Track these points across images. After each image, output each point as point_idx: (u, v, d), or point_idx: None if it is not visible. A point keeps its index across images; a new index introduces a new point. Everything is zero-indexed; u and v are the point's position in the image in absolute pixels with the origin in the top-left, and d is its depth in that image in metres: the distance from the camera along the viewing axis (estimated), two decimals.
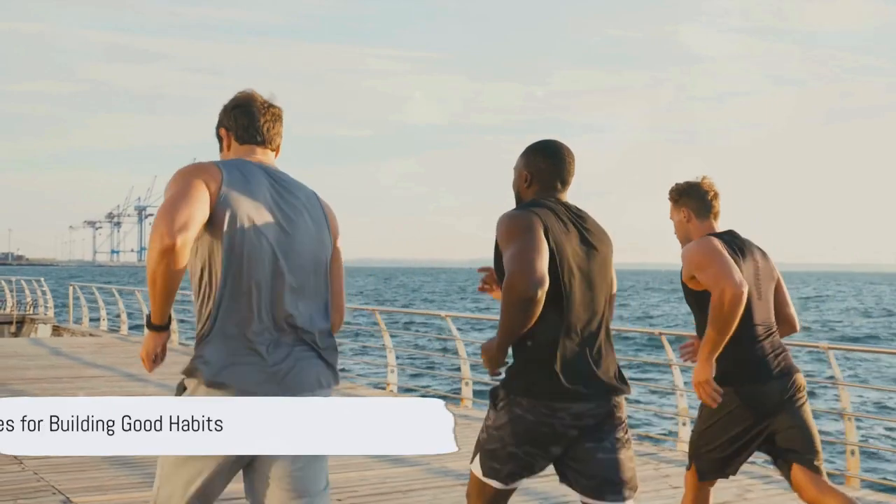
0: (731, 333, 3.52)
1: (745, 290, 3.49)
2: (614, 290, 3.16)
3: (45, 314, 21.84)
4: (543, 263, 2.82)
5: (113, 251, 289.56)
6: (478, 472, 3.07)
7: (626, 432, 3.05)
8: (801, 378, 3.78)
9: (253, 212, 2.62)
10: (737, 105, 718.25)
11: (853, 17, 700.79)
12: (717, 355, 3.56)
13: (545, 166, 3.13)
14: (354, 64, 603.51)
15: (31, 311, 22.29)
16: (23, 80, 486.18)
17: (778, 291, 3.91)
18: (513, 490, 3.09)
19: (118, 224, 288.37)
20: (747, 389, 3.68)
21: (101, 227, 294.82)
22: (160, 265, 2.44)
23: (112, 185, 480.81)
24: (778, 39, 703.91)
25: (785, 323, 3.91)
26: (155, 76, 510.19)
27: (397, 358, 10.74)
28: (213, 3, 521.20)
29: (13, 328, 21.38)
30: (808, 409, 3.78)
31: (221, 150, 2.87)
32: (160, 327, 2.64)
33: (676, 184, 3.93)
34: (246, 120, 2.80)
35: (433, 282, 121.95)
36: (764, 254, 3.89)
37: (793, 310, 3.95)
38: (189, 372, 2.59)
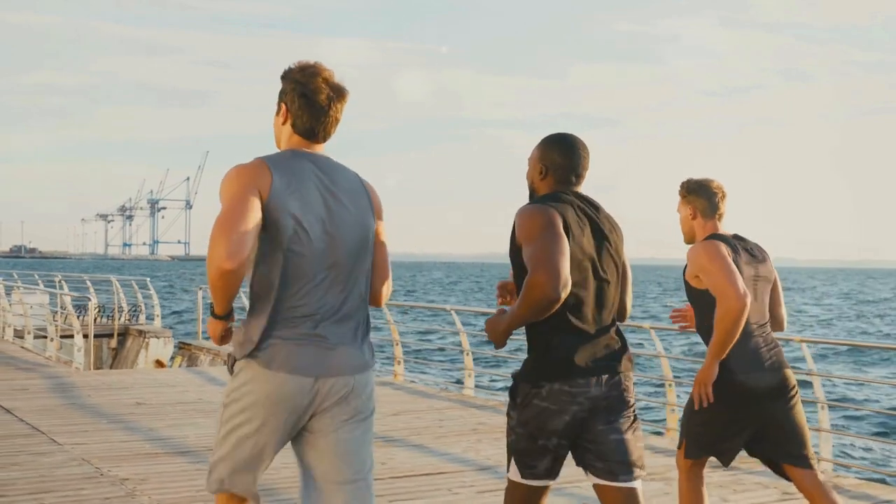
0: (735, 339, 3.83)
1: (748, 300, 3.79)
2: (629, 277, 3.27)
3: (152, 324, 18.07)
4: (567, 265, 2.91)
5: (125, 244, 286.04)
6: (516, 477, 3.13)
7: (635, 414, 3.17)
8: (791, 374, 4.04)
9: (302, 209, 2.83)
10: (745, 100, 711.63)
11: (861, 12, 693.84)
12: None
13: (561, 160, 3.19)
14: (364, 58, 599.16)
15: (129, 320, 18.50)
16: (34, 72, 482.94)
17: (773, 292, 4.17)
18: (548, 487, 3.15)
19: (130, 217, 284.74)
20: (740, 377, 3.91)
21: (113, 221, 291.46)
22: (220, 281, 2.69)
23: (124, 178, 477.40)
24: (788, 34, 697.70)
25: (776, 321, 4.18)
26: (166, 69, 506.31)
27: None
28: None
29: (113, 342, 17.61)
30: (799, 405, 4.03)
31: (278, 114, 2.98)
32: (223, 317, 2.88)
33: (688, 179, 4.15)
34: (308, 117, 2.92)
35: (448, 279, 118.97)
36: (765, 257, 4.14)
37: (783, 310, 4.23)
38: (243, 353, 2.83)
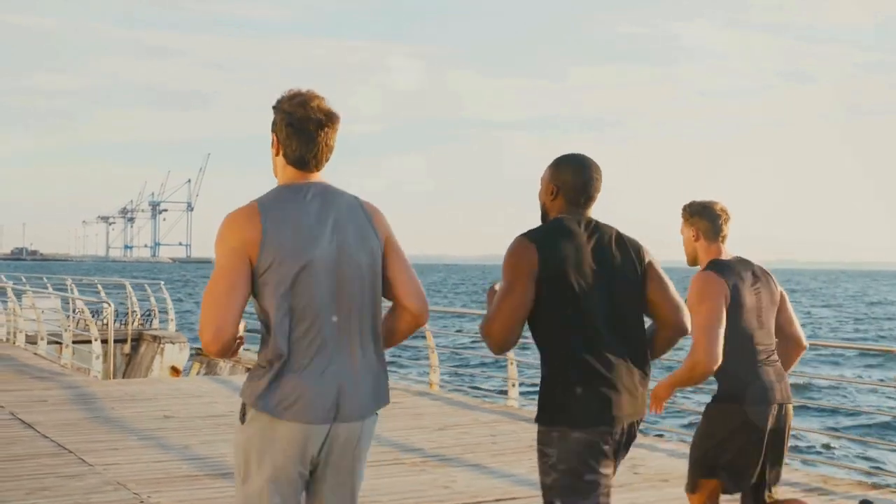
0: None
1: (716, 364, 3.72)
2: (669, 290, 3.16)
3: (166, 329, 17.52)
4: (515, 323, 2.99)
5: (126, 246, 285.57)
6: None
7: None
8: (791, 409, 4.00)
9: (297, 250, 2.75)
10: (746, 102, 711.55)
11: (862, 12, 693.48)
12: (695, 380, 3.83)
13: (572, 181, 3.15)
14: (365, 59, 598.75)
15: (142, 325, 17.95)
16: (35, 74, 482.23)
17: (782, 312, 4.07)
18: None
19: (131, 219, 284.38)
20: (751, 409, 3.85)
21: (114, 223, 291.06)
22: (212, 354, 2.75)
23: (125, 181, 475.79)
24: (789, 36, 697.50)
25: (792, 341, 4.11)
26: (167, 70, 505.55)
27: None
28: None
29: (127, 348, 17.04)
30: (788, 441, 4.04)
31: (272, 146, 2.92)
32: None
33: (691, 202, 4.10)
34: (297, 146, 2.85)
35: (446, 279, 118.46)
36: (768, 279, 4.05)
37: (798, 328, 4.13)
38: (252, 401, 2.75)
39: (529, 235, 3.07)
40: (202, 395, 9.83)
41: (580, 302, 2.99)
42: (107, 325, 13.45)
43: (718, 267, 3.94)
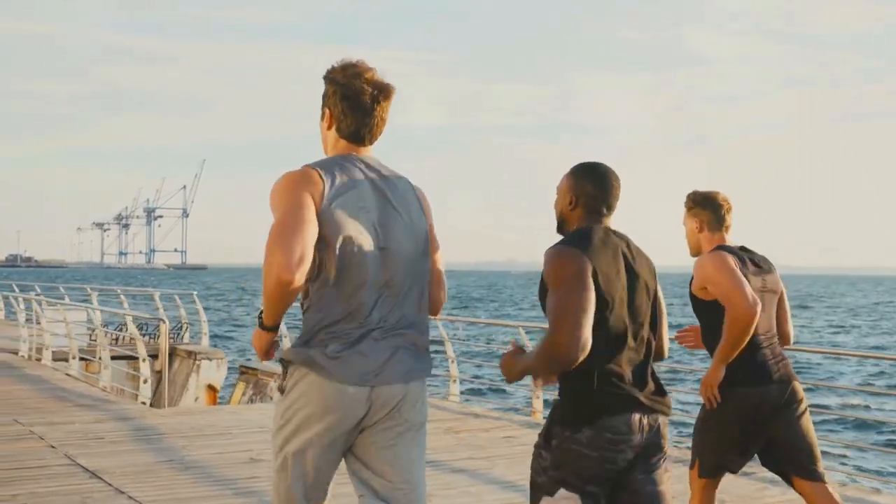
0: (743, 345, 3.84)
1: (758, 308, 3.80)
2: (663, 314, 3.15)
3: (200, 343, 16.14)
4: (588, 324, 2.81)
5: (121, 253, 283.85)
6: None
7: (667, 458, 3.08)
8: (799, 387, 4.01)
9: (355, 217, 2.74)
10: (744, 107, 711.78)
11: (860, 18, 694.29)
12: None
13: (592, 191, 3.09)
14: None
15: (172, 339, 16.56)
16: (33, 80, 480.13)
17: (780, 307, 4.12)
18: None
19: (126, 226, 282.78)
20: (747, 390, 3.89)
21: (109, 229, 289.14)
22: (276, 292, 2.59)
23: (120, 186, 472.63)
24: (785, 41, 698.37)
25: (782, 336, 4.12)
26: (163, 77, 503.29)
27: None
28: (219, 3, 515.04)
29: (158, 365, 15.61)
30: (807, 417, 4.00)
31: (322, 118, 2.88)
32: (272, 328, 2.79)
33: (694, 192, 4.13)
34: (352, 119, 2.82)
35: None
36: (770, 268, 4.12)
37: (790, 326, 4.16)
38: (298, 362, 2.74)
39: (572, 243, 2.95)
40: None
41: (611, 311, 2.91)
42: (166, 344, 11.96)
43: (723, 248, 3.98)
